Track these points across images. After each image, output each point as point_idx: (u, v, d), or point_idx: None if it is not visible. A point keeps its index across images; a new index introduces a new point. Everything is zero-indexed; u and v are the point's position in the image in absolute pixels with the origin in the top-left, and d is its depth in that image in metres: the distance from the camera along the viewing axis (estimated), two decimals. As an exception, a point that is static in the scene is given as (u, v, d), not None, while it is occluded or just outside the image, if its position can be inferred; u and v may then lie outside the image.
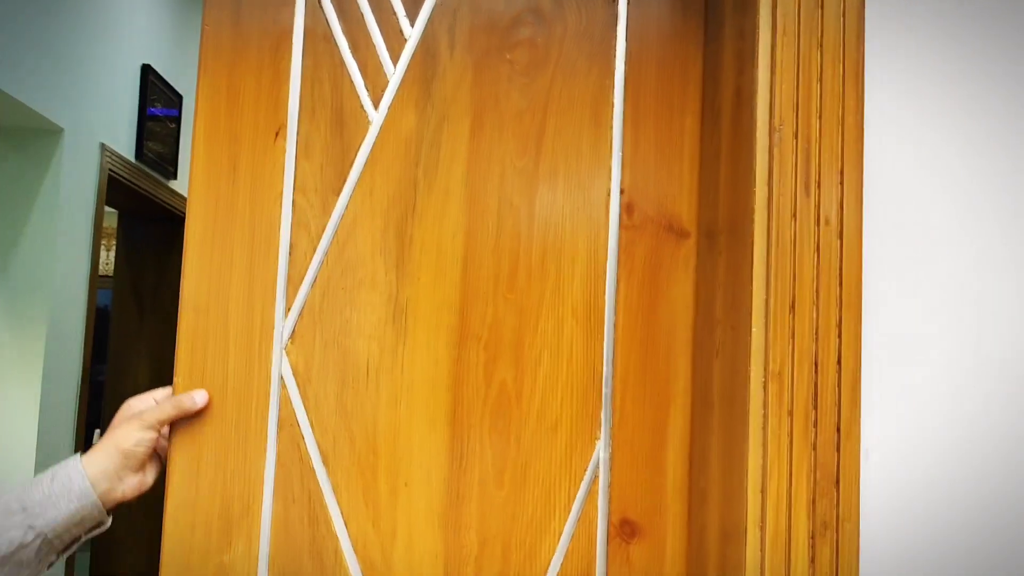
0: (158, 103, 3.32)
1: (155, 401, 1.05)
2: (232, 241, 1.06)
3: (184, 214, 3.32)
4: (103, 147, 2.84)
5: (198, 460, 1.04)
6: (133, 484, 1.00)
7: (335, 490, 1.04)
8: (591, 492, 1.05)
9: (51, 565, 1.00)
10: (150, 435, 1.00)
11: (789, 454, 0.85)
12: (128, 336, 3.77)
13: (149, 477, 1.03)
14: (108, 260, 4.67)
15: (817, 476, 0.85)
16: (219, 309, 1.05)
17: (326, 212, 1.07)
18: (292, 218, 1.07)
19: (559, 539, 1.05)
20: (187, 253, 1.06)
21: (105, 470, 0.98)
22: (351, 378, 1.05)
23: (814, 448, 0.85)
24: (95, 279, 2.91)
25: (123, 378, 3.76)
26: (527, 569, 1.04)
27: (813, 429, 0.85)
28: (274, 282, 1.06)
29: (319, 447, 1.04)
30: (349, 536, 1.03)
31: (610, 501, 1.05)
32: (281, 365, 1.05)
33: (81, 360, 2.87)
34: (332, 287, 1.06)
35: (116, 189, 3.10)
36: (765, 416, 0.86)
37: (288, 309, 1.06)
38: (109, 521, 1.02)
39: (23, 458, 2.57)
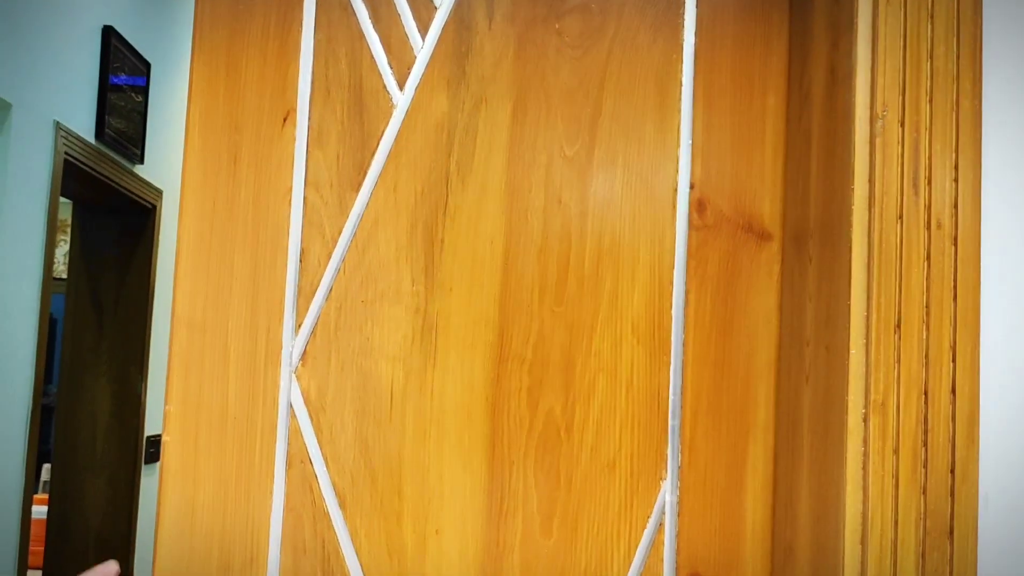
0: (122, 72, 3.39)
1: None
2: (233, 246, 1.11)
3: (153, 204, 3.36)
4: (58, 126, 2.92)
5: (193, 503, 1.08)
6: None
7: (353, 538, 1.08)
8: (655, 543, 1.09)
9: None
10: None
11: (895, 499, 0.88)
12: (84, 351, 3.85)
13: None
14: (60, 260, 4.76)
15: (927, 525, 0.88)
16: (218, 326, 1.10)
17: (343, 211, 1.12)
18: (303, 218, 1.11)
19: (618, 598, 1.08)
20: (179, 261, 1.10)
21: None
22: (372, 407, 1.10)
23: (924, 492, 0.88)
24: (48, 283, 2.98)
25: (77, 402, 3.83)
26: (580, 633, 1.08)
27: (923, 470, 0.88)
28: (282, 294, 1.10)
29: (335, 488, 1.09)
30: (370, 593, 1.08)
31: (677, 554, 1.09)
32: (290, 391, 1.10)
33: (32, 381, 2.94)
34: (350, 299, 1.11)
35: (72, 175, 3.17)
36: (866, 454, 0.89)
37: (298, 326, 1.10)
38: None
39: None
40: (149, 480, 4.01)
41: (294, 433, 1.09)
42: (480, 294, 1.11)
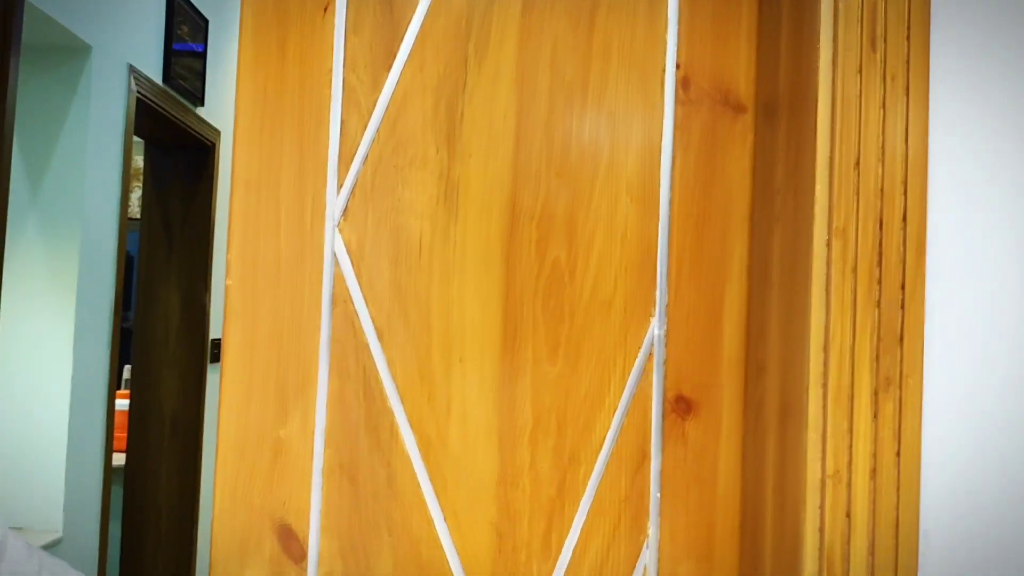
0: (184, 24, 3.34)
1: None
2: (282, 119, 1.08)
3: (212, 143, 3.32)
4: (131, 68, 2.87)
5: (252, 337, 1.07)
6: None
7: (390, 366, 1.07)
8: (646, 369, 1.08)
9: None
10: None
11: (853, 311, 0.87)
12: (156, 270, 3.84)
13: None
14: (134, 204, 4.72)
15: (881, 333, 0.86)
16: (270, 187, 1.08)
17: (376, 88, 1.09)
18: (342, 95, 1.09)
19: (613, 415, 1.08)
20: (237, 132, 1.08)
21: None
22: (404, 256, 1.08)
23: (878, 306, 0.87)
24: (124, 219, 2.96)
25: (152, 312, 3.83)
26: (581, 445, 1.07)
27: (877, 287, 0.87)
28: (325, 160, 1.08)
29: (374, 324, 1.07)
30: (405, 411, 1.07)
31: (665, 378, 1.08)
32: (334, 243, 1.08)
33: (112, 303, 2.93)
34: (383, 165, 1.09)
35: (144, 115, 3.13)
36: (828, 275, 0.87)
37: (340, 187, 1.08)
38: None
39: (58, 393, 2.64)
40: (213, 375, 4.03)
41: (338, 278, 1.08)
42: (495, 161, 1.09)
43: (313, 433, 1.06)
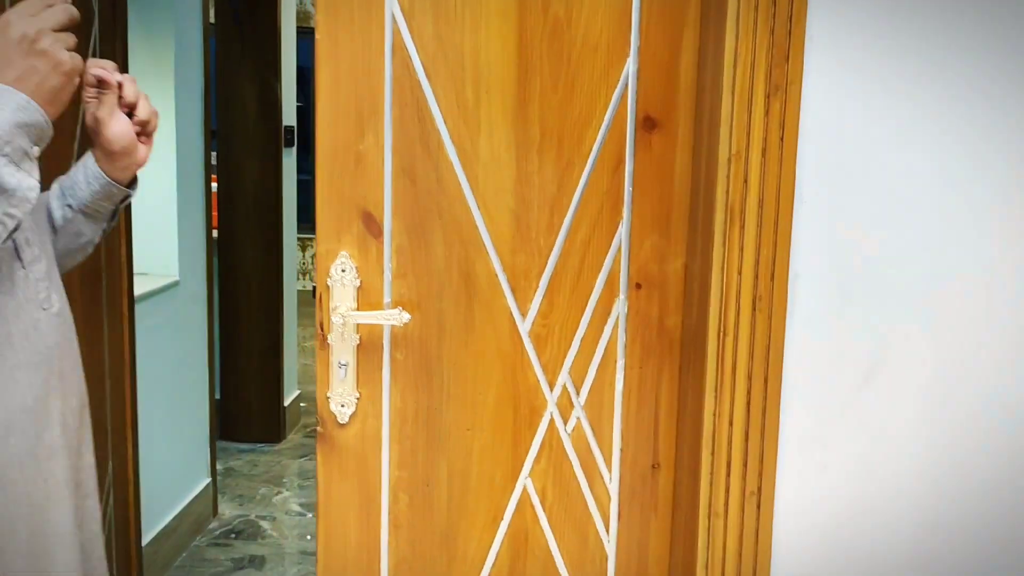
0: None
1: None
2: (350, -90, 1.42)
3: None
4: None
5: (336, 78, 1.46)
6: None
7: (436, 97, 1.46)
8: (623, 97, 1.45)
9: (104, 231, 1.39)
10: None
11: (752, 42, 1.22)
12: (232, 67, 4.21)
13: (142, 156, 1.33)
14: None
15: (774, 54, 1.22)
16: (344, -37, 1.44)
17: None
18: None
19: (599, 131, 1.46)
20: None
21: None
22: (443, 12, 1.44)
23: (771, 33, 1.22)
24: (207, 6, 3.32)
25: (232, 101, 4.24)
26: (575, 153, 1.47)
27: (770, 18, 1.22)
28: (383, -59, 1.43)
29: (423, 65, 1.45)
30: (447, 130, 1.47)
31: (636, 102, 1.45)
32: (392, 4, 1.44)
33: (201, 82, 3.32)
34: (426, -57, 1.43)
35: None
36: (738, 15, 1.23)
37: (395, -38, 1.44)
38: (135, 192, 1.39)
39: (167, 174, 3.10)
40: (288, 160, 4.47)
41: (396, 32, 1.45)
42: (511, -61, 1.43)
43: (383, 146, 1.47)
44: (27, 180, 0.98)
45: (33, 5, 0.99)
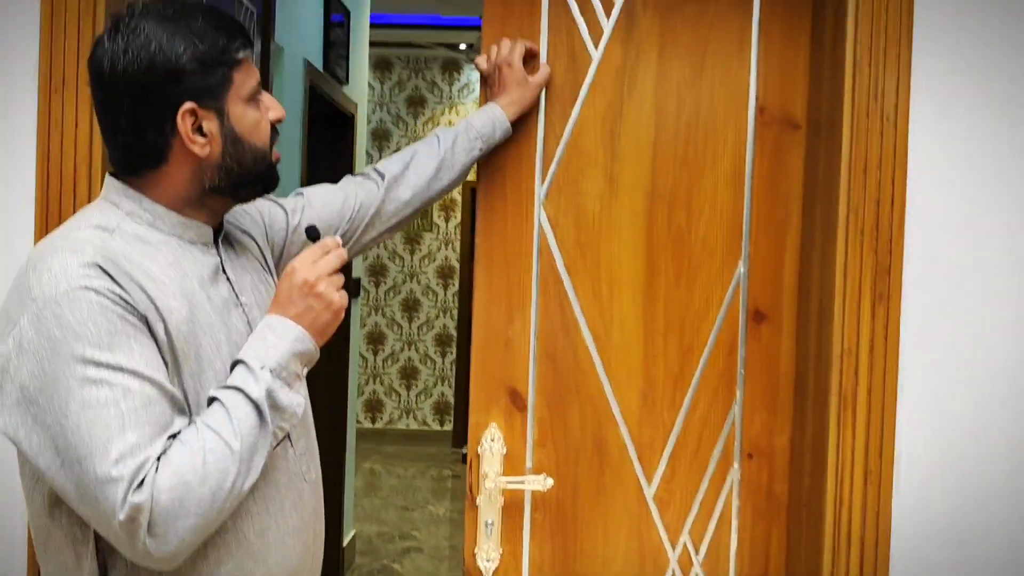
0: (336, 21, 3.97)
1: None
2: (506, 143, 1.69)
3: (352, 114, 3.97)
4: (306, 62, 3.52)
5: (490, 274, 1.71)
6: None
7: (575, 290, 1.70)
8: (735, 293, 1.70)
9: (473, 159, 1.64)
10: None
11: (860, 257, 1.47)
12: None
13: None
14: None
15: (877, 267, 1.47)
16: (501, 183, 1.71)
17: (565, 117, 1.71)
18: (544, 123, 1.71)
19: (715, 322, 1.70)
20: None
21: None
22: (583, 222, 1.71)
23: (875, 252, 1.47)
24: (306, 160, 3.65)
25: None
26: (695, 340, 1.70)
27: (873, 242, 1.47)
28: (534, 164, 1.71)
29: (565, 265, 1.70)
30: (584, 318, 1.70)
31: (747, 299, 1.69)
32: (540, 215, 1.71)
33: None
34: (571, 166, 1.71)
35: (310, 95, 3.80)
36: (847, 237, 1.48)
37: (543, 180, 1.71)
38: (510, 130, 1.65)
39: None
40: (355, 308, 4.67)
41: (542, 236, 1.70)
42: (640, 162, 1.70)
43: (530, 332, 1.71)
44: (296, 398, 1.18)
45: (314, 253, 1.22)
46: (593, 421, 1.71)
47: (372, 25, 4.99)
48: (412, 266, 7.20)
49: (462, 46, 6.92)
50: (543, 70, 1.67)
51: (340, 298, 1.21)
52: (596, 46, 1.70)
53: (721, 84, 1.70)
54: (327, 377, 4.51)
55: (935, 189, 1.49)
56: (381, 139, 7.20)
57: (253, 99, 1.22)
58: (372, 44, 5.08)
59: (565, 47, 1.71)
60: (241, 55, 1.19)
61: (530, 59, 1.67)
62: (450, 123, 7.15)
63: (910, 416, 1.49)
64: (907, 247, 1.48)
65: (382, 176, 1.57)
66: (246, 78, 1.20)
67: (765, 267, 1.70)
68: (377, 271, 7.19)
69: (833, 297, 1.50)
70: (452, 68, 7.22)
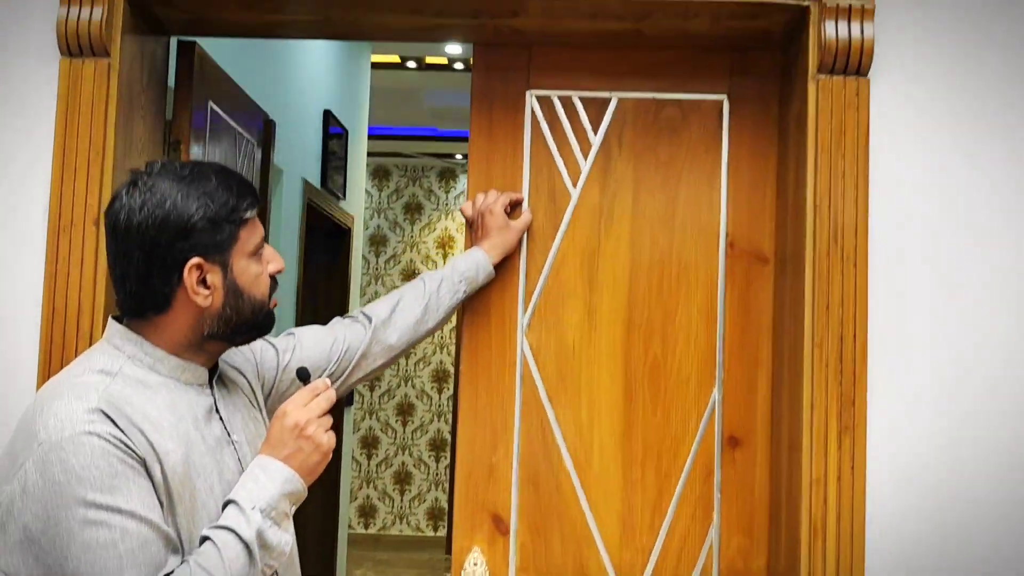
0: (333, 139, 4.13)
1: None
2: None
3: (349, 227, 4.08)
4: (304, 181, 3.65)
5: (476, 400, 1.78)
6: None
7: (557, 418, 1.77)
8: (711, 420, 1.76)
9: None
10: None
11: (825, 385, 1.54)
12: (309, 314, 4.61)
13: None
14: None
15: (842, 397, 1.53)
16: (485, 313, 1.79)
17: (545, 251, 1.80)
18: (526, 256, 1.80)
19: (691, 448, 1.75)
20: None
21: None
22: (564, 351, 1.78)
23: (839, 383, 1.54)
24: (303, 270, 3.74)
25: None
26: (672, 465, 1.75)
27: (838, 371, 1.54)
28: (516, 295, 1.79)
29: (546, 392, 1.77)
30: (566, 445, 1.76)
31: (722, 425, 1.75)
32: (523, 343, 1.78)
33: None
34: (551, 297, 1.79)
35: (309, 211, 3.92)
36: (812, 366, 1.55)
37: (526, 310, 1.79)
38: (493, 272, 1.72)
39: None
40: (348, 415, 4.70)
41: (525, 365, 1.77)
42: (617, 294, 1.78)
43: (512, 458, 1.76)
44: (285, 536, 1.23)
45: (304, 395, 1.29)
46: (574, 546, 1.75)
47: (370, 136, 5.17)
48: (407, 370, 7.25)
49: (458, 156, 7.13)
50: (525, 215, 1.77)
51: (328, 439, 1.27)
52: (575, 185, 1.81)
53: (693, 220, 1.79)
54: (319, 481, 4.51)
55: (896, 327, 1.57)
56: (378, 244, 7.34)
57: (256, 253, 1.30)
58: (370, 154, 5.26)
59: (546, 186, 1.81)
60: (248, 215, 1.28)
61: (515, 207, 1.77)
62: (445, 228, 7.31)
63: (877, 546, 1.53)
64: (870, 379, 1.55)
65: (369, 319, 1.63)
66: (251, 235, 1.29)
67: (739, 394, 1.76)
68: (372, 375, 7.22)
69: (801, 428, 1.56)
70: (448, 176, 7.42)
